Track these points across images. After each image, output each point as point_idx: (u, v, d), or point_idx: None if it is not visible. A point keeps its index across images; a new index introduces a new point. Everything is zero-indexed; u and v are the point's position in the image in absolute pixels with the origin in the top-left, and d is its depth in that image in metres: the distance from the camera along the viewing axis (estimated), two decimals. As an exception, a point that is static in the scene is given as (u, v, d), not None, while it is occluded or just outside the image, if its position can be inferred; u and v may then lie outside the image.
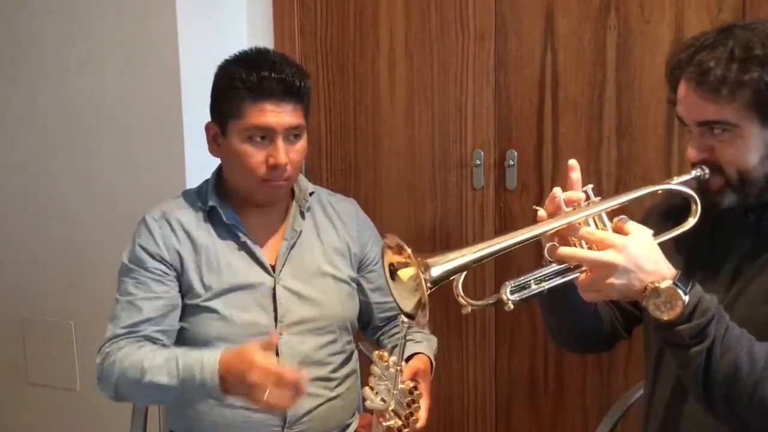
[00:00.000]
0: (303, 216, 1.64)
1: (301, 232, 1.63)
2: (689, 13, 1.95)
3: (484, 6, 2.12)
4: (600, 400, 2.16)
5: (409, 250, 1.13)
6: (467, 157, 2.20)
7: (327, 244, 1.66)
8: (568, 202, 1.18)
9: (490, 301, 1.18)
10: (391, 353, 1.42)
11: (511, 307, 1.15)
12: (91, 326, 2.39)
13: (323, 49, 2.32)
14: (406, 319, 1.35)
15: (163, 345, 1.53)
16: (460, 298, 1.17)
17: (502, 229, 2.19)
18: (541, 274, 1.18)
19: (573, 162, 1.22)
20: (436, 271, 1.11)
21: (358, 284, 1.72)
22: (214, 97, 1.58)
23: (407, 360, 1.55)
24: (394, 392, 1.39)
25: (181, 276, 1.57)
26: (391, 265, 1.17)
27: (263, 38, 2.31)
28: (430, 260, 1.12)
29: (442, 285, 1.14)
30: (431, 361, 1.64)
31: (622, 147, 2.05)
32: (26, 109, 2.38)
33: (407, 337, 1.66)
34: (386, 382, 1.40)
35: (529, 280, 1.17)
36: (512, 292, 1.16)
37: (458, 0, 2.14)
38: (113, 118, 2.26)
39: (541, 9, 2.07)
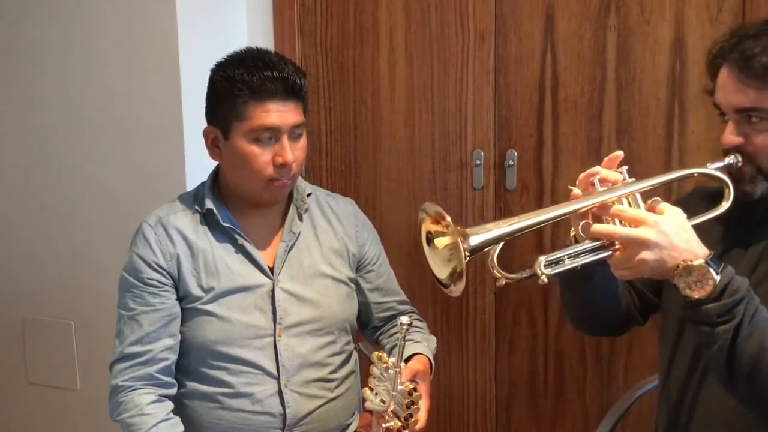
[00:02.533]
0: (300, 218, 1.64)
1: (299, 234, 1.63)
2: (689, 13, 1.95)
3: (484, 6, 2.12)
4: (600, 400, 2.16)
5: (448, 218, 1.14)
6: (467, 157, 2.20)
7: (325, 245, 1.66)
8: (603, 181, 1.20)
9: (524, 275, 1.19)
10: (390, 354, 1.42)
11: (545, 281, 1.15)
12: (91, 326, 2.39)
13: (323, 49, 2.32)
14: (405, 321, 1.37)
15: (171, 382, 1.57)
16: (495, 271, 1.18)
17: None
18: (574, 250, 1.18)
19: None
20: (474, 240, 1.13)
21: (357, 284, 1.72)
22: (212, 100, 1.56)
23: (406, 361, 1.55)
24: (394, 393, 1.39)
25: (178, 282, 1.57)
26: (428, 233, 1.19)
27: (263, 38, 2.31)
28: (469, 230, 1.13)
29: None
30: (431, 362, 1.64)
31: (622, 147, 2.03)
32: (26, 110, 2.39)
33: (406, 338, 1.67)
34: (385, 383, 1.40)
35: (563, 256, 1.18)
36: (546, 267, 1.16)
37: (458, 0, 2.14)
38: (113, 118, 2.25)
39: (541, 9, 2.07)
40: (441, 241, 1.17)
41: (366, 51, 2.27)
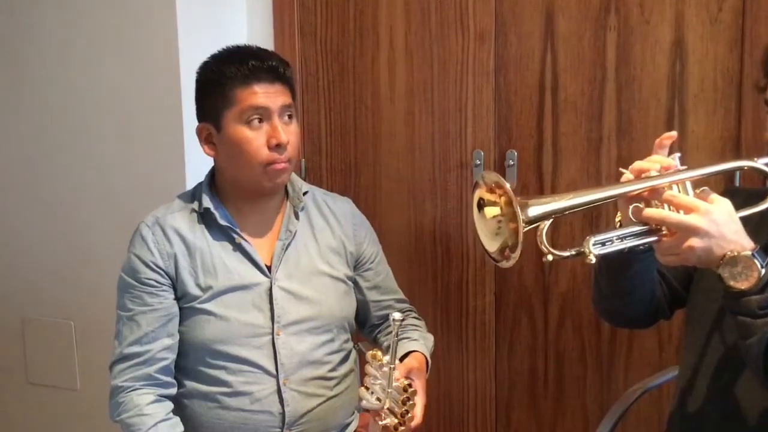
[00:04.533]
0: (297, 216, 1.65)
1: (295, 232, 1.63)
2: (689, 13, 1.95)
3: (484, 6, 2.12)
4: (600, 400, 2.16)
5: (507, 186, 1.14)
6: (467, 157, 2.20)
7: (322, 243, 1.67)
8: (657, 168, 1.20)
9: (572, 253, 1.18)
10: (386, 352, 1.42)
11: (592, 260, 1.15)
12: (91, 326, 2.39)
13: (323, 49, 2.32)
14: (397, 317, 1.37)
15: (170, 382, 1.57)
16: (543, 246, 1.17)
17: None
18: (623, 232, 1.18)
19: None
20: (533, 211, 1.12)
21: (355, 282, 1.72)
22: (202, 96, 1.58)
23: (403, 358, 1.55)
24: (389, 390, 1.39)
25: (176, 281, 1.57)
26: (480, 199, 1.19)
27: (263, 38, 2.31)
28: (529, 200, 1.13)
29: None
30: (427, 360, 1.64)
31: (622, 147, 2.04)
32: (26, 110, 2.39)
33: (403, 336, 1.67)
34: (381, 381, 1.40)
35: (612, 237, 1.18)
36: (594, 246, 1.16)
37: (458, 0, 2.14)
38: (113, 118, 2.26)
39: (541, 9, 2.07)
40: (490, 211, 1.17)
41: (366, 51, 2.27)
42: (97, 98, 2.27)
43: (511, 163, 2.15)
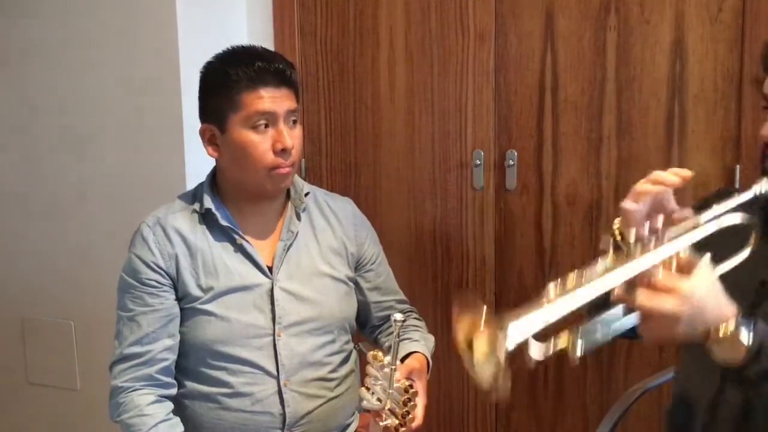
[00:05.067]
0: (298, 217, 1.65)
1: (297, 233, 1.63)
2: (689, 13, 1.95)
3: (484, 6, 2.12)
4: (600, 400, 2.16)
5: (483, 312, 1.01)
6: (467, 157, 2.20)
7: (323, 244, 1.66)
8: (655, 182, 1.15)
9: (557, 349, 1.07)
10: (387, 353, 1.42)
11: (577, 361, 1.08)
12: (91, 326, 2.40)
13: (323, 49, 2.32)
14: (399, 317, 1.36)
15: (171, 383, 1.57)
16: (526, 357, 1.06)
17: (502, 230, 2.19)
18: (606, 318, 1.12)
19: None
20: (512, 341, 0.99)
21: (356, 283, 1.72)
22: (206, 96, 1.57)
23: (404, 359, 1.55)
24: (390, 391, 1.39)
25: (177, 282, 1.57)
26: (466, 339, 1.05)
27: (263, 38, 2.31)
28: (505, 324, 1.00)
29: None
30: (428, 360, 1.64)
31: (622, 147, 2.05)
32: (26, 110, 2.39)
33: (404, 336, 1.67)
34: (381, 382, 1.40)
35: (596, 325, 1.11)
36: (580, 340, 1.07)
37: (458, 0, 2.14)
38: (113, 118, 2.26)
39: (541, 9, 2.07)
40: (477, 346, 1.02)
41: (366, 51, 2.27)
42: (98, 98, 2.27)
43: (511, 163, 2.15)
